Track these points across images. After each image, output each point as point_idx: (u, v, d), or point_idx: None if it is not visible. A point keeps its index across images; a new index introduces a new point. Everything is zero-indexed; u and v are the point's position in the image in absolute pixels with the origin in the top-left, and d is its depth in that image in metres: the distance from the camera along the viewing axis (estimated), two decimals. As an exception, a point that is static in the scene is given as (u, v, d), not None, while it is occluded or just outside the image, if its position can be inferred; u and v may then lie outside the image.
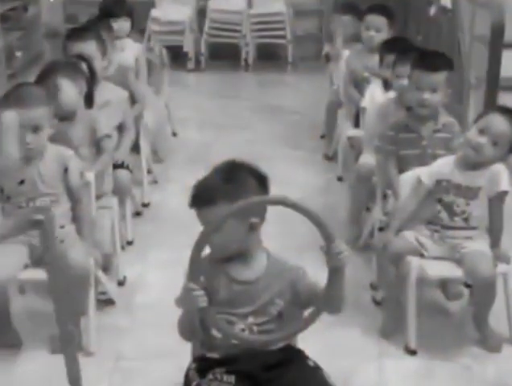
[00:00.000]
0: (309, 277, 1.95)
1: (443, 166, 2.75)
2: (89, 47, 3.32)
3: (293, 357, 1.96)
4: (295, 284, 1.92)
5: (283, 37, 7.14)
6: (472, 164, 2.68)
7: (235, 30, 7.14)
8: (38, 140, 2.59)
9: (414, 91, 2.97)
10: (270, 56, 7.48)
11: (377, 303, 3.04)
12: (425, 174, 2.76)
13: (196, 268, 1.81)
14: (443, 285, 3.11)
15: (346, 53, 4.50)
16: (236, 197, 1.80)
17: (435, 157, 2.91)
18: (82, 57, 3.08)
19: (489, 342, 2.77)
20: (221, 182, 1.89)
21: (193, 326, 1.91)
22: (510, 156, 2.71)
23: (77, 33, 3.42)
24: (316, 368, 1.95)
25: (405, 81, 3.21)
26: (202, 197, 1.91)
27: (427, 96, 2.94)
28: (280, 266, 1.95)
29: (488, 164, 2.67)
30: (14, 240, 2.63)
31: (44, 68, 2.98)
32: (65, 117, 2.94)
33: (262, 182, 1.92)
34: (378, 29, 4.08)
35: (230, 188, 1.86)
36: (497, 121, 2.64)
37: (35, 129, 2.57)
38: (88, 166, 2.90)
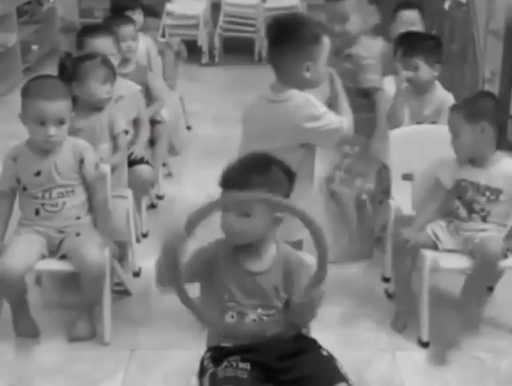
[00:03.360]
0: (306, 277, 1.90)
1: (461, 164, 2.75)
2: (104, 44, 3.34)
3: (307, 347, 1.98)
4: (291, 277, 1.94)
5: (297, 31, 7.13)
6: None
7: (249, 25, 7.14)
8: (60, 133, 2.62)
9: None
10: (283, 50, 7.46)
11: (389, 296, 3.06)
12: (444, 176, 2.78)
13: (193, 227, 1.78)
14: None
15: None
16: (268, 189, 1.83)
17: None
18: (100, 55, 3.09)
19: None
20: (257, 171, 1.90)
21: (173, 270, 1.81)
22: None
23: (92, 30, 3.44)
24: (330, 358, 1.97)
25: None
26: (237, 180, 1.89)
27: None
28: (285, 258, 1.97)
29: (488, 149, 2.67)
30: (32, 231, 2.68)
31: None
32: (94, 106, 3.00)
33: (290, 178, 1.97)
34: (413, 24, 4.09)
35: (265, 179, 1.88)
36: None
37: (60, 122, 2.60)
38: (106, 161, 2.94)
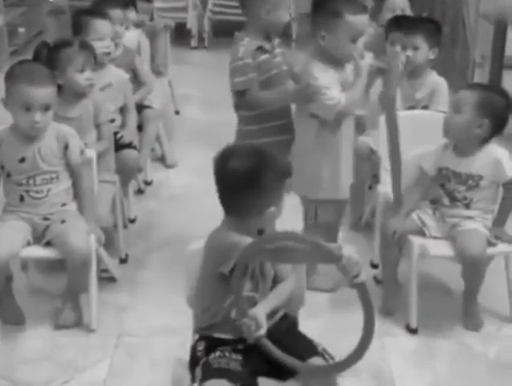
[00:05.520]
0: None
1: (443, 152, 2.75)
2: (106, 27, 3.31)
3: (286, 327, 2.00)
4: None
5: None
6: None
7: (239, 8, 7.06)
8: (46, 119, 2.59)
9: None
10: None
11: (378, 282, 3.05)
12: (427, 163, 2.77)
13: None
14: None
15: None
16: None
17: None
18: (77, 41, 3.03)
19: (470, 321, 2.78)
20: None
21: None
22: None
23: (97, 11, 3.40)
24: (305, 336, 2.01)
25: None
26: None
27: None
28: None
29: (475, 141, 2.66)
30: (17, 217, 2.65)
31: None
32: (78, 94, 2.96)
33: None
34: (403, 9, 4.05)
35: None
36: None
37: (46, 108, 2.57)
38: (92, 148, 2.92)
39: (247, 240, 1.79)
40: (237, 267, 1.77)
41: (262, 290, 1.94)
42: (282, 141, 2.90)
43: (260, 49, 2.85)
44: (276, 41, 2.93)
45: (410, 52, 3.28)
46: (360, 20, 2.64)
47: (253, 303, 1.90)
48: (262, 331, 1.82)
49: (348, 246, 1.70)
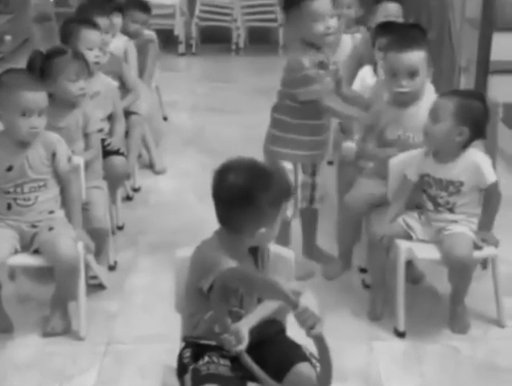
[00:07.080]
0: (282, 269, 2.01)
1: (425, 158, 2.75)
2: (95, 36, 3.31)
3: (273, 330, 2.00)
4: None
5: (274, 20, 7.12)
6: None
7: (226, 14, 7.11)
8: (42, 124, 2.60)
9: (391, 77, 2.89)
10: (261, 40, 7.45)
11: (366, 286, 3.06)
12: (409, 169, 2.78)
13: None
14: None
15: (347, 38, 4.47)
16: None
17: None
18: (71, 50, 3.03)
19: (457, 324, 2.79)
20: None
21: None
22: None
23: (86, 20, 3.40)
24: (293, 341, 2.00)
25: None
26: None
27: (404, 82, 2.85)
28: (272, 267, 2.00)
29: (456, 148, 2.67)
30: (4, 225, 2.64)
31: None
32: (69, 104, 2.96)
33: None
34: (397, 16, 4.04)
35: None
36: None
37: (40, 112, 2.58)
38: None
39: (229, 263, 1.80)
40: (214, 287, 1.78)
41: (247, 305, 1.94)
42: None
43: (321, 64, 2.88)
44: (332, 57, 2.94)
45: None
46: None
47: (238, 318, 1.89)
48: (242, 346, 1.80)
49: (309, 294, 1.67)
